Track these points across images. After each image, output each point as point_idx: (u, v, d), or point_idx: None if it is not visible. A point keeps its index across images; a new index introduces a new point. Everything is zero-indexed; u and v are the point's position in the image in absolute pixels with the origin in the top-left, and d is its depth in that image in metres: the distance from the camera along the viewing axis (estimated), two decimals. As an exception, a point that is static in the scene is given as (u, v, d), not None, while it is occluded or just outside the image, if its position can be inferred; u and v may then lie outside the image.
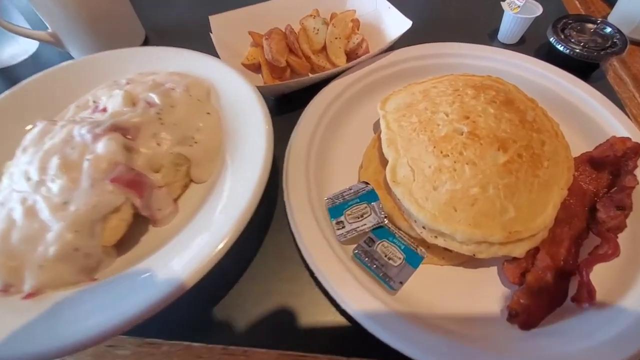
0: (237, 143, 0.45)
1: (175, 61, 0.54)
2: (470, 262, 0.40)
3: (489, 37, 0.69)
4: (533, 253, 0.38)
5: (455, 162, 0.39)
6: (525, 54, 0.58)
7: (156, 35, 0.75)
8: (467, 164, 0.39)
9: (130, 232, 0.41)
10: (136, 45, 0.71)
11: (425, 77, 0.52)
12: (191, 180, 0.47)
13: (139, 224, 0.42)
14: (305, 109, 0.52)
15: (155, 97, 0.46)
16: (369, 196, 0.43)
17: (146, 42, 0.74)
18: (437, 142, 0.41)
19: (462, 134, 0.41)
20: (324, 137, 0.51)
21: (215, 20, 0.62)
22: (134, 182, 0.40)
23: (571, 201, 0.40)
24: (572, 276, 0.37)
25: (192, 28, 0.70)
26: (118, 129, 0.42)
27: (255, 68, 0.62)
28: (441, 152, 0.40)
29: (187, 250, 0.36)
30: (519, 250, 0.37)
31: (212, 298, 0.41)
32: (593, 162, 0.44)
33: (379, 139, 0.47)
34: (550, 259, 0.36)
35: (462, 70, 0.53)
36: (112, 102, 0.48)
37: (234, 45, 0.63)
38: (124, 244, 0.41)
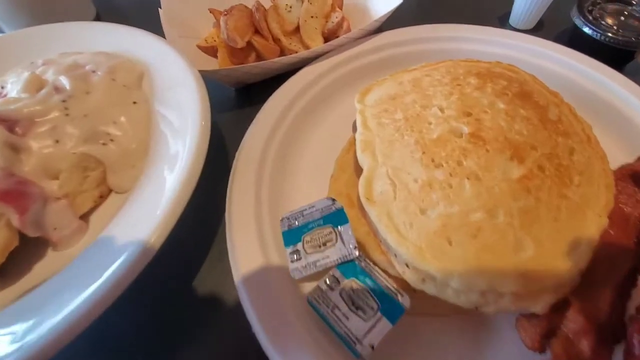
0: (167, 141, 0.35)
1: (108, 39, 0.44)
2: (473, 313, 0.29)
3: (499, 21, 0.58)
4: (560, 308, 0.26)
5: (451, 174, 0.28)
6: (544, 41, 0.47)
7: (109, 14, 0.65)
8: (467, 178, 0.28)
9: (15, 258, 0.32)
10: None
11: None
12: (111, 190, 0.36)
13: (34, 246, 0.33)
14: (266, 102, 0.41)
15: (65, 82, 0.36)
16: (336, 217, 0.32)
17: (97, 23, 0.63)
18: (427, 146, 0.30)
19: (461, 136, 0.30)
20: (288, 138, 0.40)
21: (167, -6, 0.52)
22: (11, 193, 0.30)
23: (611, 233, 0.29)
24: (617, 343, 0.26)
25: (150, 6, 0.59)
26: (1, 120, 0.31)
27: (214, 52, 0.51)
28: (432, 161, 0.29)
29: (76, 286, 0.26)
30: (539, 305, 0.26)
31: None
32: (637, 177, 0.33)
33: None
34: (586, 318, 0.25)
35: (465, 58, 0.42)
36: (15, 87, 0.37)
37: (194, 26, 0.54)
38: (7, 274, 0.31)
